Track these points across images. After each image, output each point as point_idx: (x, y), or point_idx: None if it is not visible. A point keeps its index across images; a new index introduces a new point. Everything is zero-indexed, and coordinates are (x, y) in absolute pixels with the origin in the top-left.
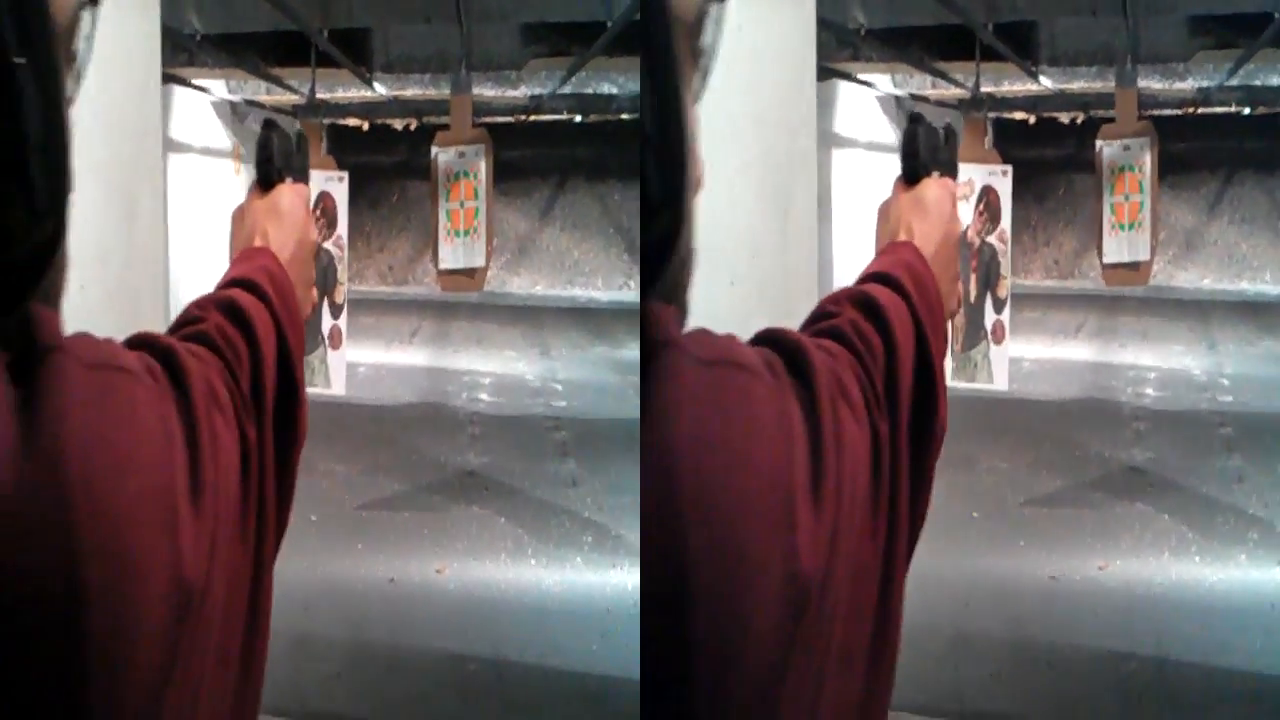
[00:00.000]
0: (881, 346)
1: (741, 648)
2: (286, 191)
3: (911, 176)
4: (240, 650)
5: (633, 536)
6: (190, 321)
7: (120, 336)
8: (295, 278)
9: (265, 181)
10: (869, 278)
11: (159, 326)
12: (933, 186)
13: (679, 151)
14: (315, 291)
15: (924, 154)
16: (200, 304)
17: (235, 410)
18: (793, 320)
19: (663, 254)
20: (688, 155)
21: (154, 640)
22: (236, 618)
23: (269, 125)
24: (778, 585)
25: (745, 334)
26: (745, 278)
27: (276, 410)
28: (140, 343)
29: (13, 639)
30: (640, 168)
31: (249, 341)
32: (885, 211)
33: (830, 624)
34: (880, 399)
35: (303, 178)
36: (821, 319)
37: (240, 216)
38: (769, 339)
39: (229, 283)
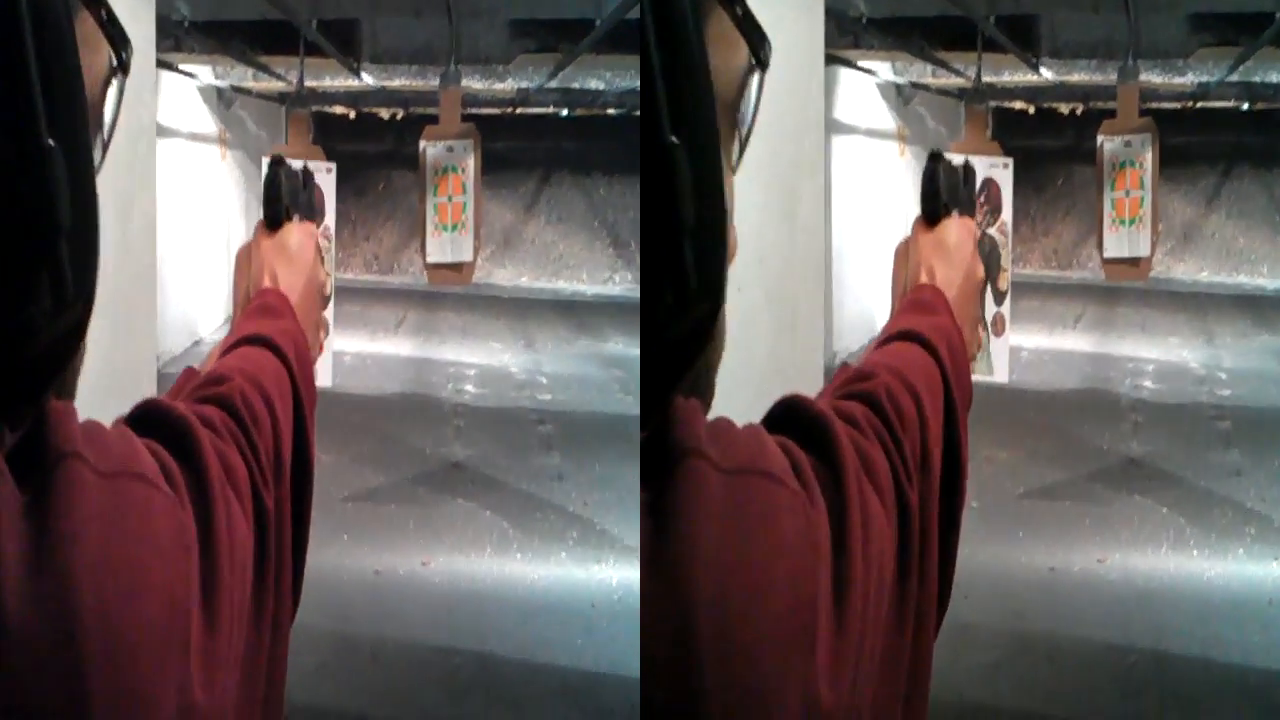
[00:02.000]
0: (915, 415)
1: None
2: (295, 230)
3: (932, 217)
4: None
5: (617, 531)
6: (215, 381)
7: (111, 342)
8: (304, 318)
9: (273, 221)
10: (902, 334)
11: (151, 339)
12: (954, 228)
13: (719, 242)
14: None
15: (945, 193)
16: (226, 366)
17: (253, 480)
18: (798, 327)
19: (698, 343)
20: (726, 244)
21: None
22: (253, 689)
23: (276, 163)
24: (795, 718)
25: (750, 343)
26: (752, 283)
27: (291, 472)
28: (155, 418)
29: None
30: (676, 255)
31: (269, 409)
32: (904, 252)
33: None
34: (912, 470)
35: (309, 215)
36: (857, 380)
37: (247, 255)
38: (793, 414)
39: (250, 338)
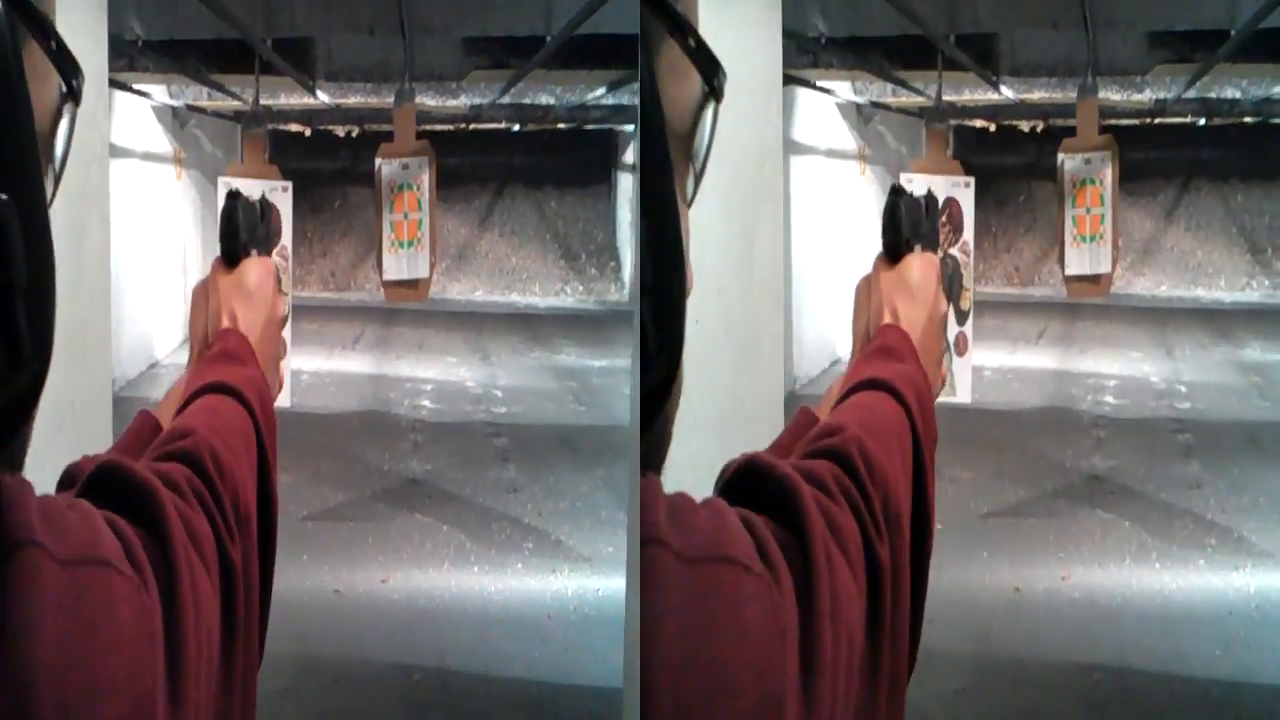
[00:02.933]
0: (884, 472)
1: None
2: (253, 266)
3: (893, 253)
4: None
5: (571, 542)
6: (180, 435)
7: (66, 369)
8: (264, 357)
9: (230, 257)
10: (870, 384)
11: (106, 368)
12: (916, 265)
13: (678, 299)
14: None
15: (906, 229)
16: (189, 419)
17: (219, 538)
18: (758, 359)
19: (659, 402)
20: (684, 300)
21: None
22: None
23: (233, 196)
24: None
25: (710, 375)
26: (710, 315)
27: (257, 520)
28: (117, 480)
29: None
30: (4, 323)
31: (234, 461)
32: (866, 290)
33: None
34: (882, 527)
35: (267, 249)
36: (825, 435)
37: (204, 292)
38: (757, 476)
39: (213, 386)
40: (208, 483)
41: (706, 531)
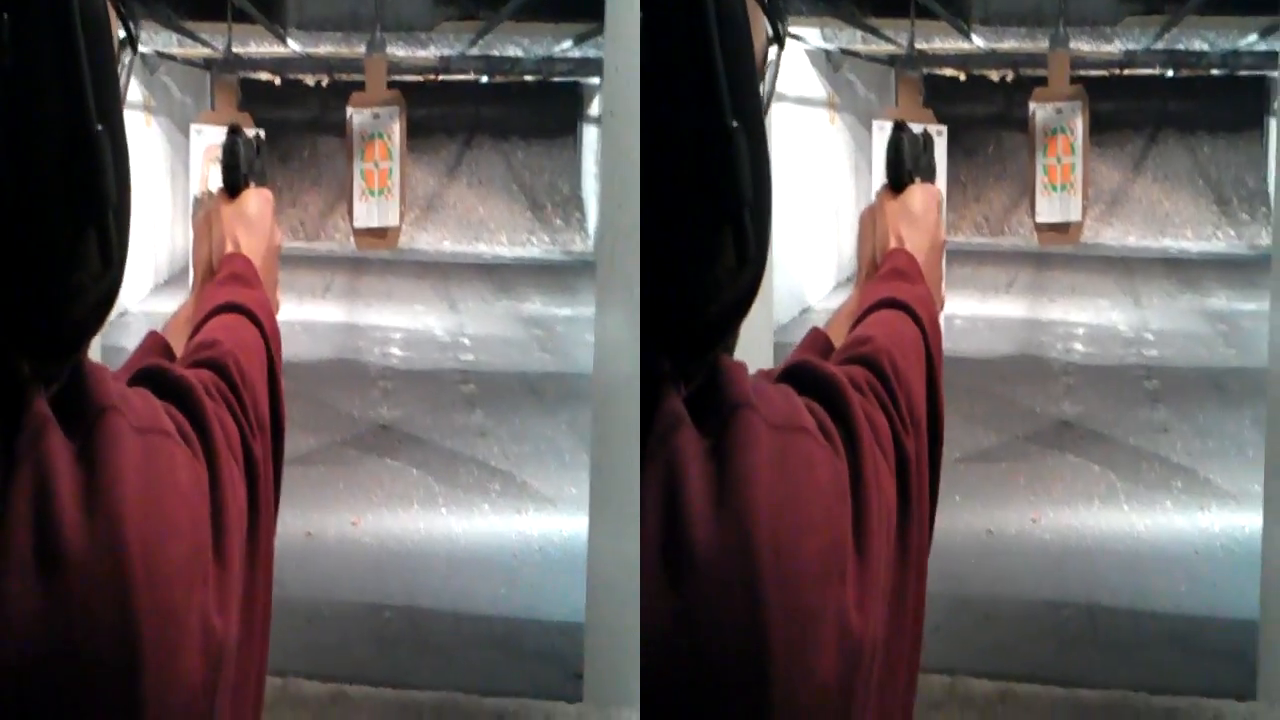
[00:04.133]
0: (909, 376)
1: (809, 701)
2: (253, 197)
3: (897, 184)
4: (248, 667)
5: (536, 484)
6: (207, 345)
7: None
8: (266, 280)
9: (232, 188)
10: (889, 302)
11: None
12: (919, 194)
13: (768, 212)
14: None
15: (908, 162)
16: (213, 331)
17: (243, 433)
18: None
19: (751, 298)
20: (771, 213)
21: (195, 692)
22: (250, 621)
23: (234, 131)
24: (836, 640)
25: None
26: None
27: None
28: (161, 381)
29: (74, 691)
30: (739, 225)
31: (253, 371)
32: (870, 219)
33: (873, 666)
34: (908, 424)
35: (263, 181)
36: (857, 345)
37: (206, 222)
38: (807, 376)
39: (228, 305)
40: (232, 387)
41: (784, 406)
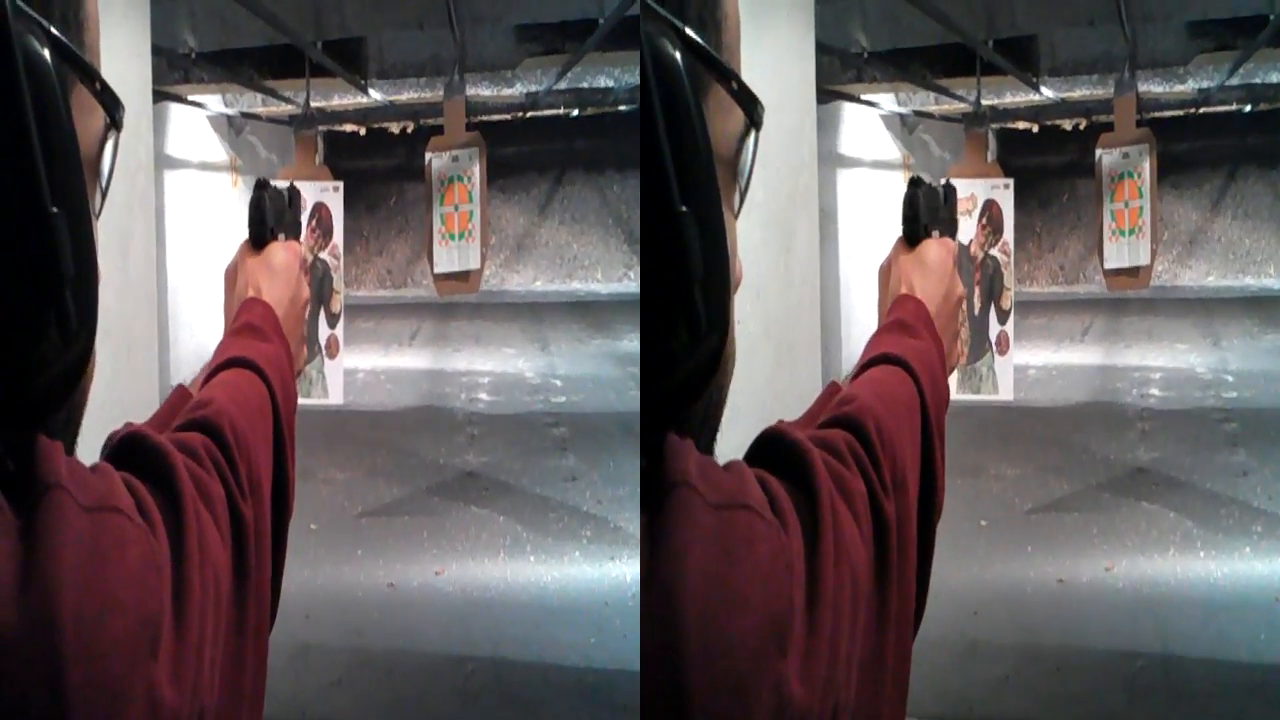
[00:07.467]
0: (893, 438)
1: None
2: (279, 249)
3: (912, 238)
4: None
5: (631, 528)
6: (201, 405)
7: (113, 369)
8: (288, 334)
9: (258, 241)
10: (885, 358)
11: (152, 363)
12: (933, 247)
13: (724, 285)
14: (306, 345)
15: (924, 215)
16: (211, 391)
17: (231, 497)
18: (795, 356)
19: (710, 371)
20: (729, 284)
21: None
22: (238, 687)
23: (261, 185)
24: (772, 712)
25: (750, 373)
26: (750, 317)
27: (272, 489)
28: (135, 447)
29: None
30: (688, 300)
31: (250, 429)
32: (887, 272)
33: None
34: (890, 487)
35: (294, 234)
36: (841, 404)
37: (233, 274)
38: (775, 443)
39: (235, 360)
40: (223, 448)
41: (728, 484)
